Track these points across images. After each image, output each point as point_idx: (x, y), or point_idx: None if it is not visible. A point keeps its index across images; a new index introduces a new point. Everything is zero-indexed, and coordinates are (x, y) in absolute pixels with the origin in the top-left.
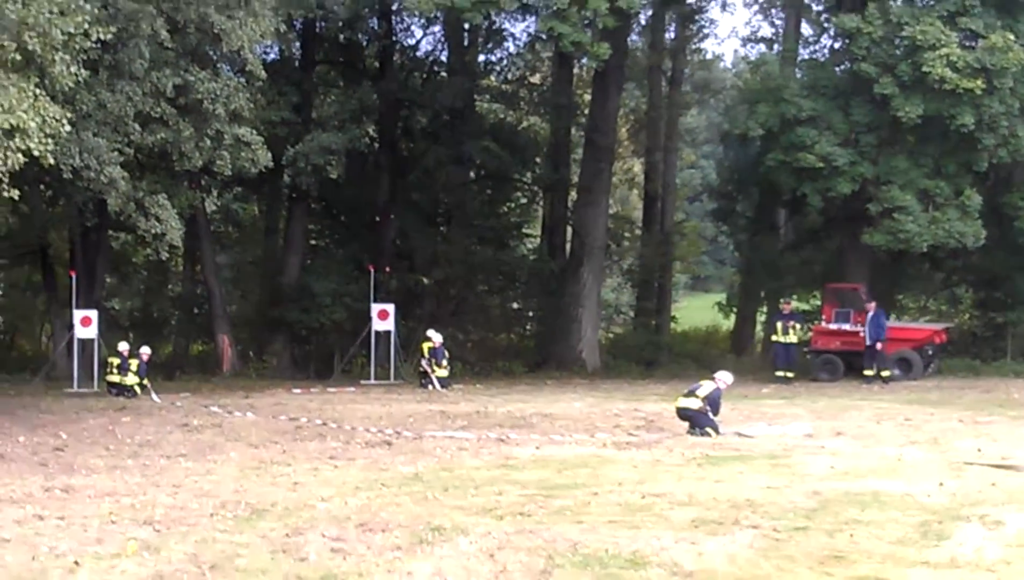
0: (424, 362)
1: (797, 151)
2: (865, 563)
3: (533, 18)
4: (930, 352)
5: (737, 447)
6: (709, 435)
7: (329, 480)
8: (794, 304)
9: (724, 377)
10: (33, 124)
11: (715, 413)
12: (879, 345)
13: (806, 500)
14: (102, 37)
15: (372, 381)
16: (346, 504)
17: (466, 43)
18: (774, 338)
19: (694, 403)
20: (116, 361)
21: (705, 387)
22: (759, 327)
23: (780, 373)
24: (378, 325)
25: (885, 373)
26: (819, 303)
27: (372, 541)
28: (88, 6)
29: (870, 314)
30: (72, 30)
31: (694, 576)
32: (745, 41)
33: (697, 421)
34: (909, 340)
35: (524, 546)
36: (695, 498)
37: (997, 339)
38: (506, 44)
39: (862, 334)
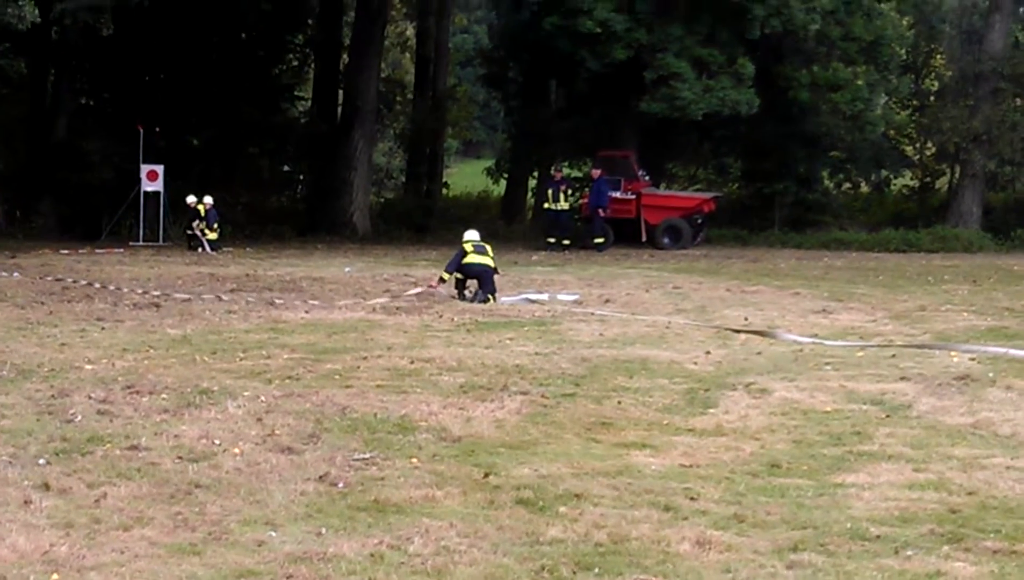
0: (196, 224)
1: (575, 16)
2: (632, 430)
3: None
4: (699, 221)
5: (506, 314)
6: (488, 301)
7: (96, 341)
8: (565, 171)
9: (471, 235)
10: None
11: (495, 272)
12: (600, 212)
13: (574, 367)
14: None
15: (140, 243)
16: (113, 366)
17: None
18: (545, 205)
19: (489, 261)
20: None
21: (489, 248)
22: (530, 194)
23: (551, 240)
24: (147, 186)
25: (599, 240)
26: (590, 170)
27: (139, 403)
28: None
29: (594, 182)
30: None
31: (462, 441)
32: None
33: (488, 280)
34: (678, 209)
35: (292, 410)
36: (464, 364)
37: (765, 209)
38: None
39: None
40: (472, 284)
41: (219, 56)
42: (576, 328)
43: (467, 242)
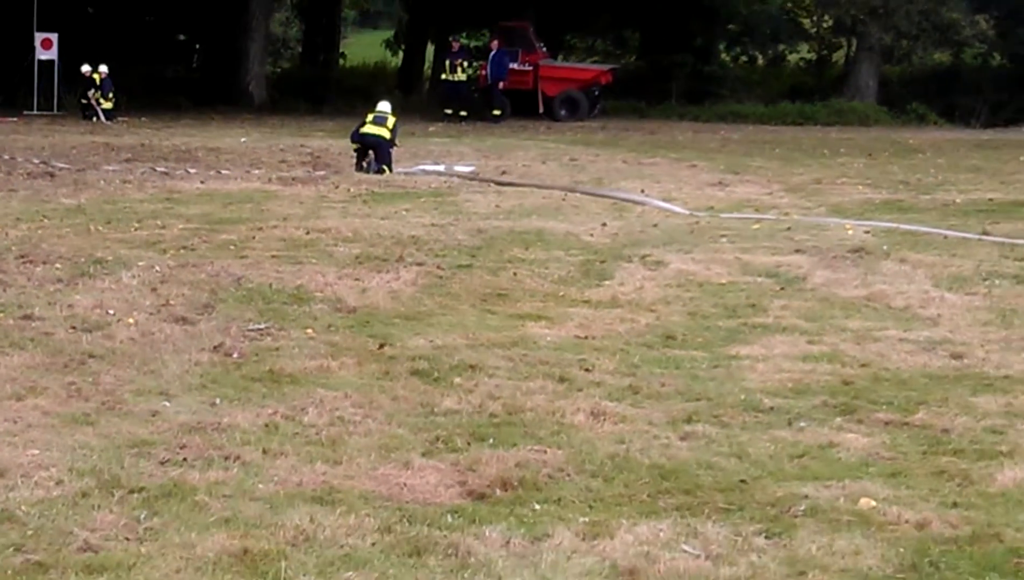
0: (91, 93)
1: None
2: (527, 301)
3: None
4: (596, 93)
5: (403, 185)
6: (383, 172)
7: None
8: (463, 41)
9: (381, 106)
10: None
11: (392, 145)
12: (499, 84)
13: (470, 238)
14: None
15: (35, 112)
16: (7, 236)
17: None
18: (443, 76)
19: (385, 133)
20: None
21: (391, 120)
22: (427, 65)
23: (449, 111)
24: (41, 54)
25: (496, 112)
26: (488, 42)
27: (33, 273)
28: None
29: (492, 53)
30: None
31: (357, 312)
32: None
33: (383, 151)
34: (575, 80)
35: (187, 280)
36: (360, 235)
37: (662, 81)
38: None
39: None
40: (371, 155)
41: None
42: (472, 199)
43: (371, 112)
